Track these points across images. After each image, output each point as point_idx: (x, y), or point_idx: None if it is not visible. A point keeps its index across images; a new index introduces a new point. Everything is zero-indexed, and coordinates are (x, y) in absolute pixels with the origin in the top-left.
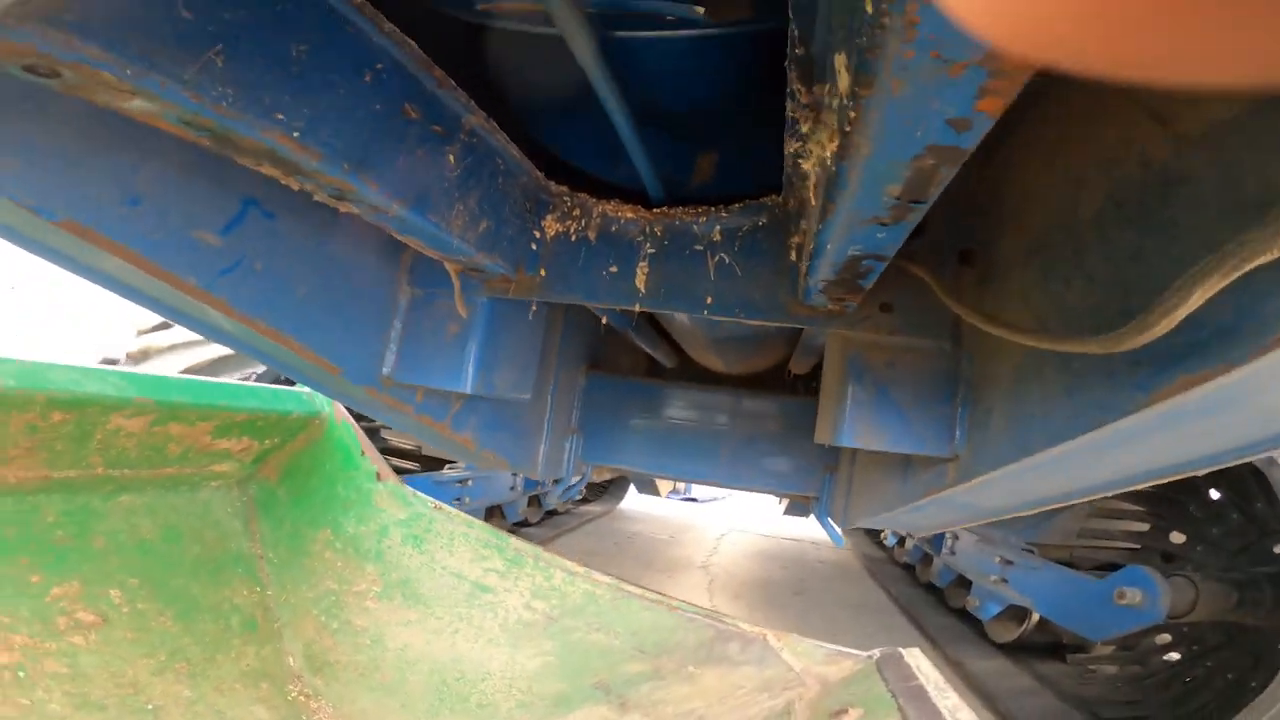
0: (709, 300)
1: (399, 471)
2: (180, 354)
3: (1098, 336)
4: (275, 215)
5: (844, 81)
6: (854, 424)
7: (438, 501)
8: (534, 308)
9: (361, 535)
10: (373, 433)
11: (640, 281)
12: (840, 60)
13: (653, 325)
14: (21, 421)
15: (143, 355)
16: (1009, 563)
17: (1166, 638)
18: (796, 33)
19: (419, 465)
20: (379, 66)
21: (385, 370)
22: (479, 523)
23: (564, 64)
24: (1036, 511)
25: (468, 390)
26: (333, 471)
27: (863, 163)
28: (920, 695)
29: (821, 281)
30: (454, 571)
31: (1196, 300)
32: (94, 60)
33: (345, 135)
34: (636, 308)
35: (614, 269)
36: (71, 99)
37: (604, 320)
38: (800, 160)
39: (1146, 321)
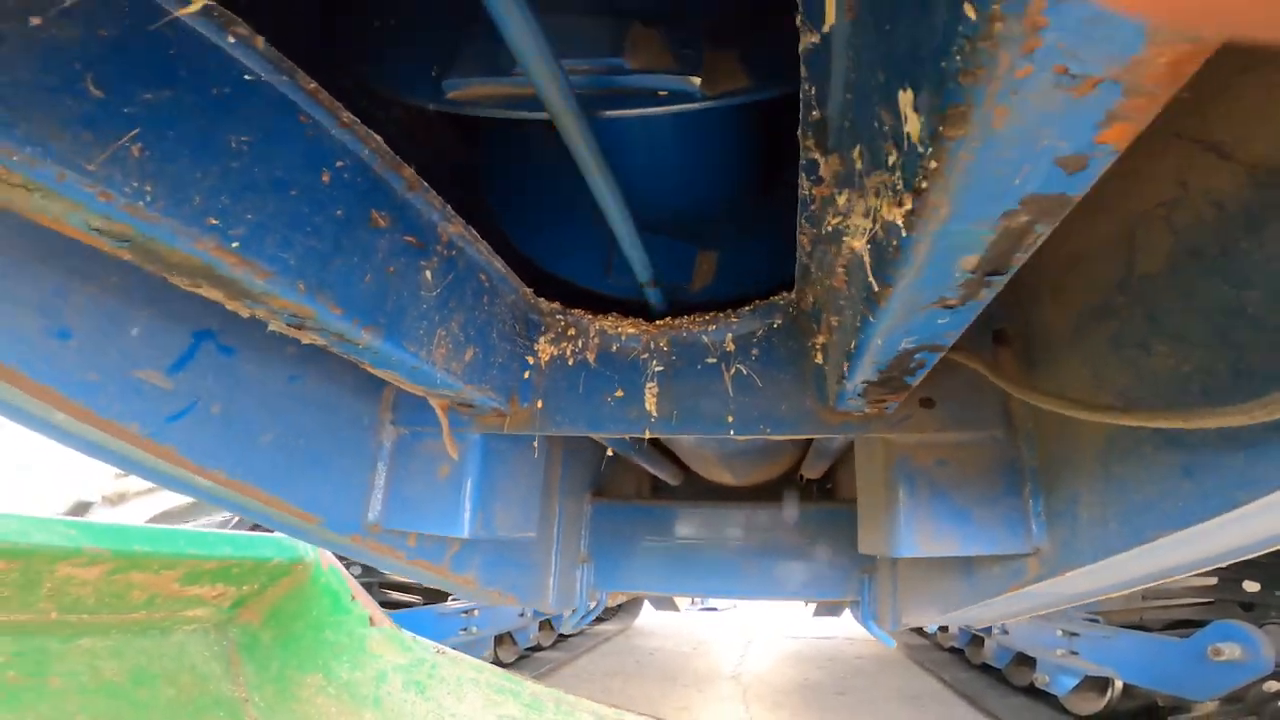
0: (730, 419)
1: (398, 605)
2: (160, 496)
3: (1223, 406)
4: (235, 350)
5: (914, 125)
6: (913, 533)
7: (440, 645)
8: (534, 441)
9: (357, 681)
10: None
11: (650, 405)
12: (906, 99)
13: (656, 445)
14: None
15: (119, 498)
16: (1074, 634)
17: (1276, 685)
18: (813, 91)
19: (421, 598)
20: (339, 164)
21: (371, 517)
22: (490, 667)
23: (547, 160)
24: (1129, 591)
25: (465, 535)
26: (320, 617)
27: (936, 230)
28: None
29: (861, 384)
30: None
31: None
32: None
33: (299, 247)
34: (647, 434)
35: (619, 393)
36: None
37: (609, 450)
38: (821, 246)
39: None
